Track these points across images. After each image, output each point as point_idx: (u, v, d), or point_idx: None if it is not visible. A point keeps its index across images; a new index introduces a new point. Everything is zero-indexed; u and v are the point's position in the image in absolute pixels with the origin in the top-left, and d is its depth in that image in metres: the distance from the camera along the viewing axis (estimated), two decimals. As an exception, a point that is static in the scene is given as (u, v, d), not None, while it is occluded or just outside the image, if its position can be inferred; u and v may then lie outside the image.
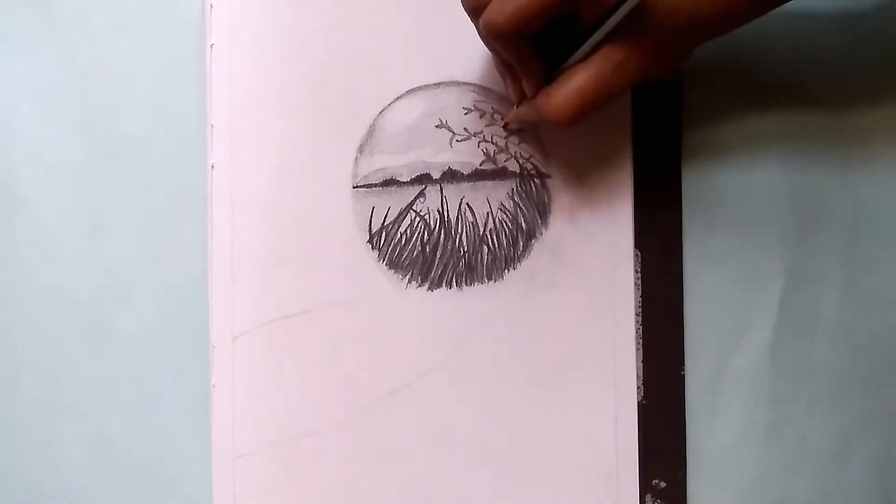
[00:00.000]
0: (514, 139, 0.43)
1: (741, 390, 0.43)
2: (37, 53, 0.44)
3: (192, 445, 0.43)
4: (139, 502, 0.43)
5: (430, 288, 0.43)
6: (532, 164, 0.43)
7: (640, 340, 0.42)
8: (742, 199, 0.43)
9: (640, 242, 0.42)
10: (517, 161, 0.43)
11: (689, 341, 0.43)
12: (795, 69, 0.43)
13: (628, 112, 0.42)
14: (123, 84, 0.44)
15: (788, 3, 0.36)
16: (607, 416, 0.42)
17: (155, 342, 0.43)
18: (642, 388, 0.42)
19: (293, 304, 0.42)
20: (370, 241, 0.43)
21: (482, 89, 0.42)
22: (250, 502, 0.42)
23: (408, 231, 0.43)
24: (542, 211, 0.43)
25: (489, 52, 0.40)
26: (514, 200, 0.43)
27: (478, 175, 0.43)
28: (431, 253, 0.43)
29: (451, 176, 0.43)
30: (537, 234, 0.43)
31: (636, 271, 0.42)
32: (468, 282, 0.43)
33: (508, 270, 0.43)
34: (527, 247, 0.43)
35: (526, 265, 0.43)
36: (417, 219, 0.43)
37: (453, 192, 0.43)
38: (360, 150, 0.43)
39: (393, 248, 0.43)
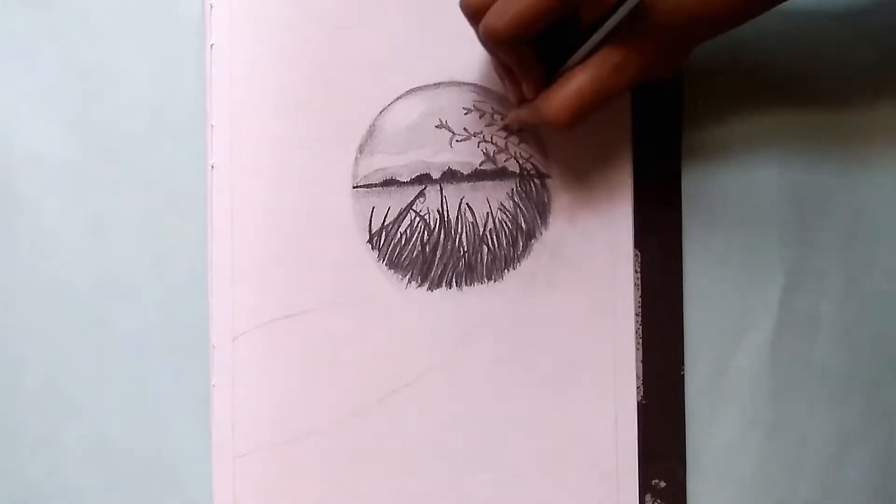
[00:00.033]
0: (514, 139, 0.43)
1: (741, 390, 0.43)
2: (37, 53, 0.44)
3: (192, 445, 0.43)
4: (139, 502, 0.43)
5: (430, 288, 0.43)
6: (532, 164, 0.43)
7: (640, 340, 0.42)
8: (742, 199, 0.43)
9: (640, 242, 0.42)
10: (517, 161, 0.43)
11: (689, 341, 0.43)
12: (795, 69, 0.43)
13: (628, 112, 0.42)
14: (123, 84, 0.44)
15: (788, 2, 0.37)
16: (607, 416, 0.42)
17: (155, 342, 0.43)
18: (642, 388, 0.42)
19: (293, 304, 0.42)
20: (370, 241, 0.43)
21: (482, 89, 0.42)
22: (250, 502, 0.42)
23: (408, 231, 0.43)
24: (541, 211, 0.43)
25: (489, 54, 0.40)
26: (513, 200, 0.43)
27: (478, 175, 0.43)
28: (431, 253, 0.43)
29: (451, 176, 0.43)
30: (537, 234, 0.43)
31: (636, 271, 0.42)
32: (468, 282, 0.43)
33: (508, 270, 0.43)
34: (527, 247, 0.43)
35: (526, 265, 0.43)
36: (417, 219, 0.43)
37: (453, 192, 0.43)
38: (360, 150, 0.43)
39: (393, 248, 0.43)
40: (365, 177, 0.43)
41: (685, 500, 0.42)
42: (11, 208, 0.44)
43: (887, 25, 0.43)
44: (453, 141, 0.43)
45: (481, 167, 0.43)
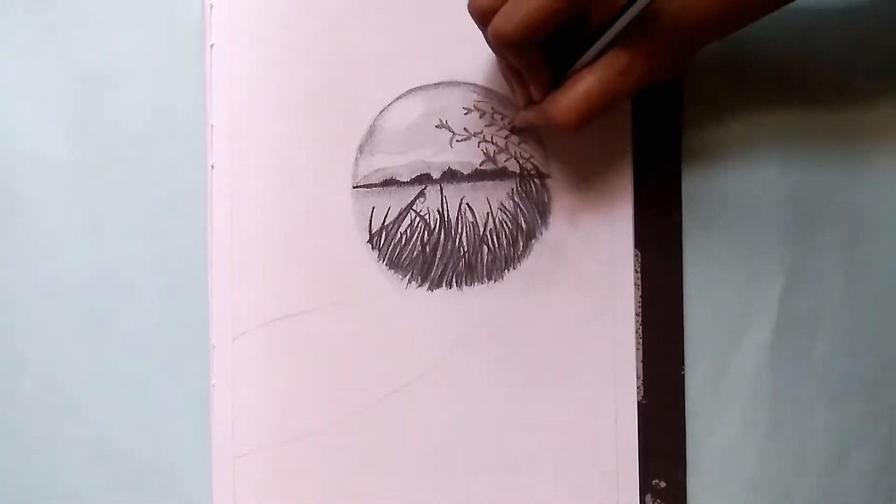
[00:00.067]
0: (514, 139, 0.43)
1: (741, 390, 0.43)
2: (37, 53, 0.44)
3: (192, 445, 0.43)
4: (139, 502, 0.43)
5: (430, 288, 0.43)
6: (532, 164, 0.43)
7: (640, 340, 0.42)
8: (742, 199, 0.43)
9: (640, 243, 0.42)
10: (517, 161, 0.43)
11: (689, 341, 0.43)
12: (795, 69, 0.43)
13: (628, 113, 0.42)
14: (123, 84, 0.44)
15: (788, 4, 0.37)
16: (607, 416, 0.42)
17: (155, 342, 0.43)
18: (642, 388, 0.42)
19: (293, 304, 0.42)
20: (370, 241, 0.43)
21: (482, 89, 0.42)
22: (250, 502, 0.42)
23: (408, 231, 0.43)
24: (542, 211, 0.43)
25: (490, 53, 0.40)
26: (514, 200, 0.43)
27: (478, 175, 0.43)
28: (431, 253, 0.43)
29: (451, 176, 0.43)
30: (537, 235, 0.43)
31: (636, 271, 0.42)
32: (468, 282, 0.43)
33: (508, 270, 0.43)
34: (527, 247, 0.43)
35: (526, 265, 0.43)
36: (417, 219, 0.43)
37: (453, 192, 0.43)
38: (360, 150, 0.43)
39: (393, 248, 0.43)
40: (365, 177, 0.43)
41: (685, 500, 0.42)
42: (11, 208, 0.44)
43: (887, 26, 0.43)
44: (453, 141, 0.43)
45: (481, 167, 0.43)
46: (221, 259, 0.42)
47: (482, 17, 0.36)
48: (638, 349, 0.42)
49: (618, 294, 0.42)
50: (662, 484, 0.42)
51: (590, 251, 0.42)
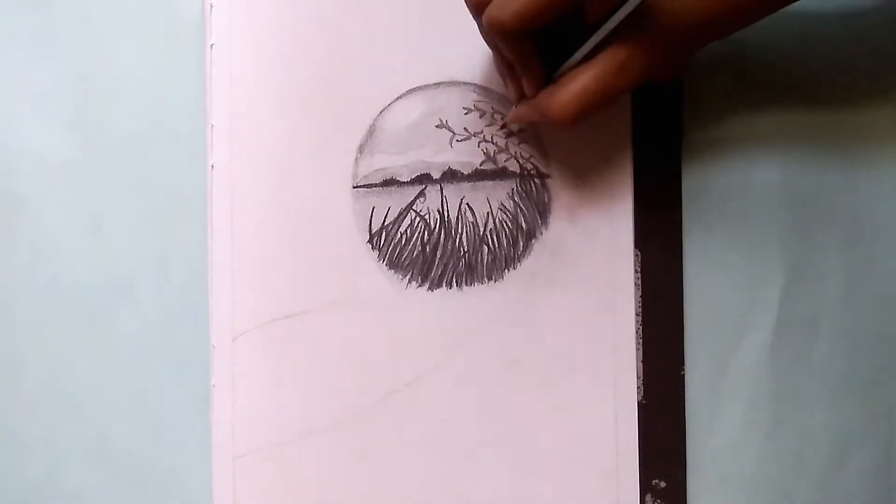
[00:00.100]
0: (515, 139, 0.43)
1: (741, 390, 0.43)
2: (37, 53, 0.44)
3: (192, 445, 0.43)
4: (139, 502, 0.43)
5: (430, 288, 0.43)
6: (532, 164, 0.43)
7: (640, 340, 0.42)
8: (742, 199, 0.43)
9: (640, 242, 0.42)
10: (517, 161, 0.43)
11: (689, 341, 0.43)
12: (795, 68, 0.43)
13: (628, 112, 0.42)
14: (123, 84, 0.44)
15: (789, 4, 0.37)
16: (607, 416, 0.42)
17: (155, 342, 0.43)
18: (642, 388, 0.42)
19: (293, 304, 0.42)
20: (370, 241, 0.43)
21: (482, 89, 0.42)
22: (250, 502, 0.42)
23: (408, 231, 0.43)
24: (542, 211, 0.43)
25: (490, 52, 0.40)
26: (514, 200, 0.43)
27: (478, 175, 0.43)
28: (431, 253, 0.43)
29: (451, 176, 0.43)
30: (537, 234, 0.43)
31: (636, 271, 0.42)
32: (468, 282, 0.43)
33: (508, 270, 0.43)
34: (527, 247, 0.43)
35: (526, 265, 0.43)
36: (417, 219, 0.43)
37: (453, 192, 0.43)
38: (360, 150, 0.43)
39: (393, 248, 0.43)
40: (365, 177, 0.43)
41: (685, 500, 0.42)
42: (11, 208, 0.44)
43: (888, 26, 0.43)
44: (453, 141, 0.43)
45: (481, 167, 0.43)
46: (221, 259, 0.42)
47: (477, 6, 0.36)
48: (638, 349, 0.42)
49: (618, 294, 0.42)
50: (662, 484, 0.42)
51: (590, 251, 0.42)
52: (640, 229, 0.42)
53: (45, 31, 0.44)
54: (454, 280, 0.43)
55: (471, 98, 0.42)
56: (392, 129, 0.43)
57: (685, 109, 0.43)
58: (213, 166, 0.43)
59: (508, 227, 0.43)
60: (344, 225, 0.43)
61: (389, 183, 0.43)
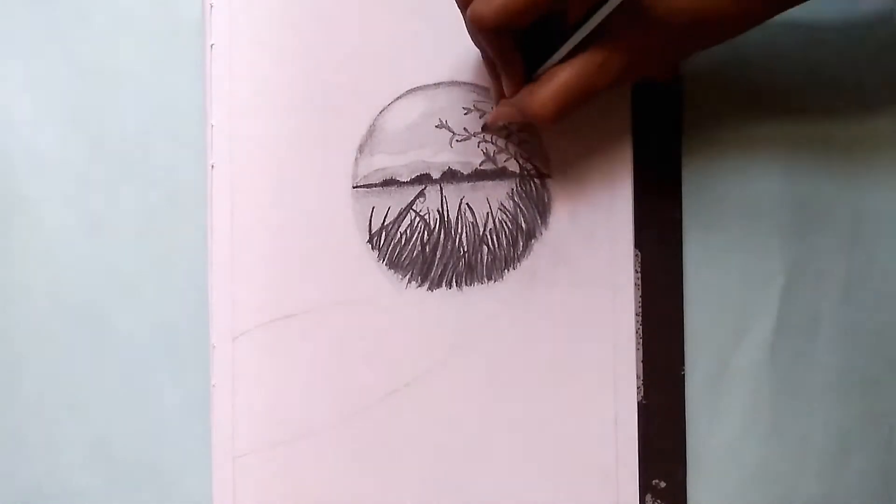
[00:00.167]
0: (515, 139, 0.43)
1: (741, 390, 0.43)
2: (37, 53, 0.44)
3: (192, 445, 0.43)
4: (139, 502, 0.43)
5: (430, 288, 0.43)
6: (532, 164, 0.43)
7: (640, 340, 0.42)
8: (742, 198, 0.43)
9: (640, 242, 0.42)
10: (517, 161, 0.43)
11: (689, 341, 0.43)
12: (795, 73, 0.43)
13: (628, 112, 0.42)
14: (123, 84, 0.44)
15: (787, 12, 0.36)
16: (607, 416, 0.42)
17: (155, 342, 0.43)
18: (642, 388, 0.42)
19: (293, 304, 0.42)
20: (370, 241, 0.43)
21: (482, 89, 0.42)
22: (250, 502, 0.42)
23: (408, 231, 0.43)
24: (542, 211, 0.43)
25: (489, 52, 0.40)
26: (514, 200, 0.43)
27: (478, 175, 0.43)
28: (431, 253, 0.43)
29: (451, 176, 0.43)
30: (537, 234, 0.43)
31: (636, 271, 0.42)
32: (468, 282, 0.43)
33: (508, 270, 0.43)
34: (527, 247, 0.43)
35: (526, 265, 0.43)
36: (417, 219, 0.43)
37: (453, 192, 0.43)
38: (360, 150, 0.43)
39: (393, 248, 0.43)
40: (365, 177, 0.43)
41: (685, 500, 0.42)
42: (11, 208, 0.44)
43: (887, 33, 0.43)
44: (453, 141, 0.43)
45: (481, 167, 0.43)
46: (221, 259, 0.42)
47: (463, 2, 0.36)
48: (638, 349, 0.42)
49: (618, 294, 0.42)
50: (662, 484, 0.42)
51: (590, 251, 0.42)
52: (640, 229, 0.42)
53: (45, 31, 0.44)
54: (454, 280, 0.43)
55: (471, 98, 0.42)
56: (392, 129, 0.43)
57: (685, 109, 0.43)
58: (213, 166, 0.42)
59: (508, 227, 0.43)
60: (344, 225, 0.43)
61: (389, 183, 0.43)
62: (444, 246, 0.43)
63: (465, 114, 0.43)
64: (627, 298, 0.42)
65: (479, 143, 0.43)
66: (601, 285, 0.42)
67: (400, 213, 0.43)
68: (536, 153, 0.43)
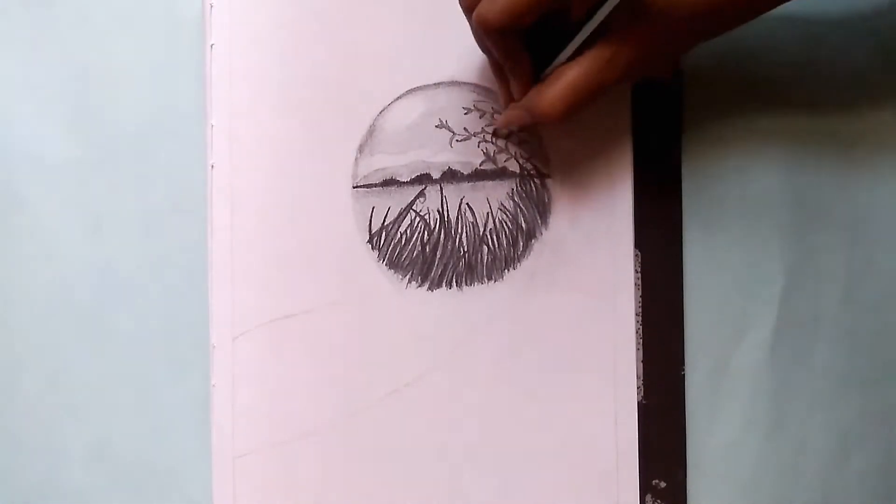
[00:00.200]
0: (515, 139, 0.43)
1: (741, 390, 0.43)
2: (36, 53, 0.44)
3: (192, 445, 0.43)
4: (139, 502, 0.43)
5: (430, 288, 0.43)
6: (532, 164, 0.43)
7: (640, 340, 0.42)
8: (742, 198, 0.43)
9: (640, 242, 0.42)
10: (517, 161, 0.43)
11: (689, 341, 0.43)
12: (795, 70, 0.43)
13: (628, 112, 0.42)
14: (123, 84, 0.44)
15: (786, 6, 0.36)
16: (607, 416, 0.42)
17: (155, 342, 0.43)
18: (642, 388, 0.42)
19: (293, 304, 0.42)
20: (370, 241, 0.43)
21: (482, 89, 0.42)
22: (250, 502, 0.42)
23: (408, 231, 0.43)
24: (542, 211, 0.43)
25: (489, 53, 0.40)
26: (514, 200, 0.43)
27: (478, 175, 0.43)
28: (431, 253, 0.43)
29: (451, 176, 0.43)
30: (537, 234, 0.43)
31: (636, 271, 0.42)
32: (468, 282, 0.43)
33: (508, 270, 0.43)
34: (527, 247, 0.43)
35: (526, 265, 0.43)
36: (417, 219, 0.43)
37: (453, 192, 0.43)
38: (360, 150, 0.43)
39: (393, 248, 0.43)
40: (365, 177, 0.43)
41: (685, 500, 0.42)
42: (11, 208, 0.44)
43: (888, 29, 0.43)
44: (453, 141, 0.43)
45: (481, 167, 0.43)
46: (221, 259, 0.42)
47: (468, 5, 0.36)
48: (638, 349, 0.42)
49: (618, 294, 0.42)
50: (662, 484, 0.42)
51: (590, 251, 0.42)
52: (640, 229, 0.42)
53: (45, 31, 0.44)
54: (454, 280, 0.43)
55: (471, 98, 0.42)
56: (392, 129, 0.43)
57: (685, 109, 0.43)
58: (213, 166, 0.42)
59: (508, 227, 0.43)
60: (344, 225, 0.43)
61: (389, 183, 0.43)
62: (444, 246, 0.43)
63: (465, 114, 0.43)
64: (627, 298, 0.42)
65: (479, 143, 0.43)
66: (601, 285, 0.42)
67: (400, 213, 0.43)
68: (536, 153, 0.43)
